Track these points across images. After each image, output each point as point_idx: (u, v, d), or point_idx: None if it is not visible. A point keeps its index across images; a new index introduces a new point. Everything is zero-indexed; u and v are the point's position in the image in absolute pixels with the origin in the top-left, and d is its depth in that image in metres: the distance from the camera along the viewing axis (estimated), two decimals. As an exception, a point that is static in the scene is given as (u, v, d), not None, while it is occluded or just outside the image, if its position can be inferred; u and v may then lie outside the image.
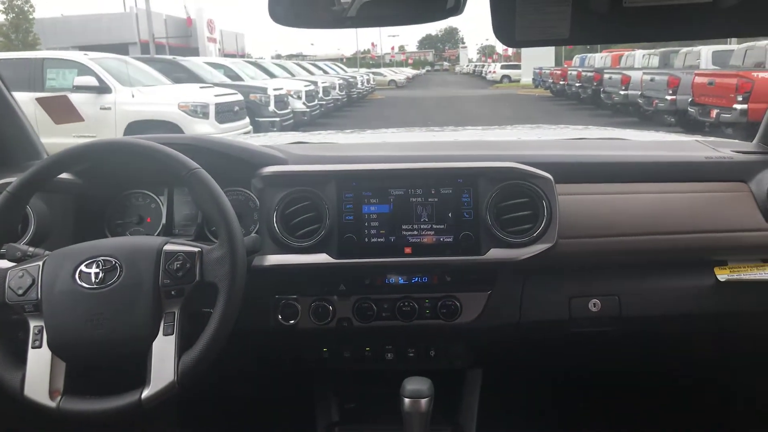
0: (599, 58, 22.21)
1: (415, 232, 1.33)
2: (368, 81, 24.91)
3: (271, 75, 14.79)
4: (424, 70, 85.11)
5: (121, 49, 21.65)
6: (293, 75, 16.72)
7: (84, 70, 8.17)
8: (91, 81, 8.03)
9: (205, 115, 8.32)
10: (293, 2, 0.89)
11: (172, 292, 1.10)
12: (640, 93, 12.32)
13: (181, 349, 1.08)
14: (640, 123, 12.55)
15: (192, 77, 10.60)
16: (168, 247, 1.12)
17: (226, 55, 31.24)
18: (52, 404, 1.05)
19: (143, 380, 1.06)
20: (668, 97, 10.87)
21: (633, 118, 13.26)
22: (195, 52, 29.75)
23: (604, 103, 15.08)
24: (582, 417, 1.83)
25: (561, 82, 20.34)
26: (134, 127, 8.01)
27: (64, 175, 1.29)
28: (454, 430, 1.52)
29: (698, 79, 9.78)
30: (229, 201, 1.16)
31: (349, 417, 1.57)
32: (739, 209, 1.42)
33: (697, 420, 1.79)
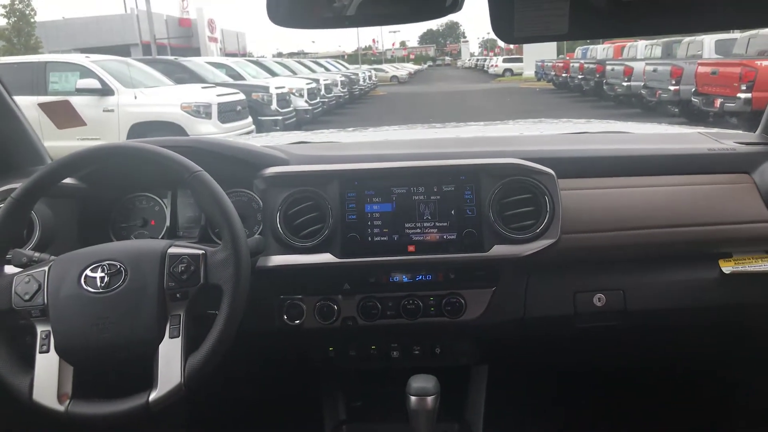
0: (601, 49, 22.10)
1: (419, 230, 1.33)
2: (370, 77, 24.90)
3: (273, 73, 14.79)
4: (425, 66, 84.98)
5: (122, 50, 21.69)
6: (295, 73, 16.74)
7: (86, 72, 8.20)
8: (93, 83, 8.05)
9: (208, 115, 8.33)
10: (292, 3, 0.89)
11: (177, 295, 1.10)
12: (643, 84, 12.26)
13: (187, 351, 1.09)
14: (643, 114, 12.49)
15: (194, 77, 10.61)
16: (172, 250, 1.13)
17: (227, 55, 31.24)
18: (61, 408, 1.06)
19: (150, 383, 1.07)
20: (671, 88, 10.81)
21: (636, 110, 13.20)
22: (196, 52, 29.78)
23: (607, 95, 15.02)
24: (588, 412, 1.83)
25: (563, 75, 20.26)
26: (137, 129, 8.03)
27: (67, 180, 1.29)
28: (460, 426, 1.53)
29: (701, 69, 9.72)
30: (231, 203, 1.16)
31: (356, 415, 1.58)
32: (743, 201, 1.41)
33: (703, 415, 1.79)
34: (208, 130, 8.09)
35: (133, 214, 1.51)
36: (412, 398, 1.25)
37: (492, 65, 44.89)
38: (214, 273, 1.12)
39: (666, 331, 1.57)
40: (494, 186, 1.33)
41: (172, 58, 13.68)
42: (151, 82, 8.91)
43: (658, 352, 1.71)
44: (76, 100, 7.28)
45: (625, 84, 13.49)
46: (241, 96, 9.37)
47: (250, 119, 9.50)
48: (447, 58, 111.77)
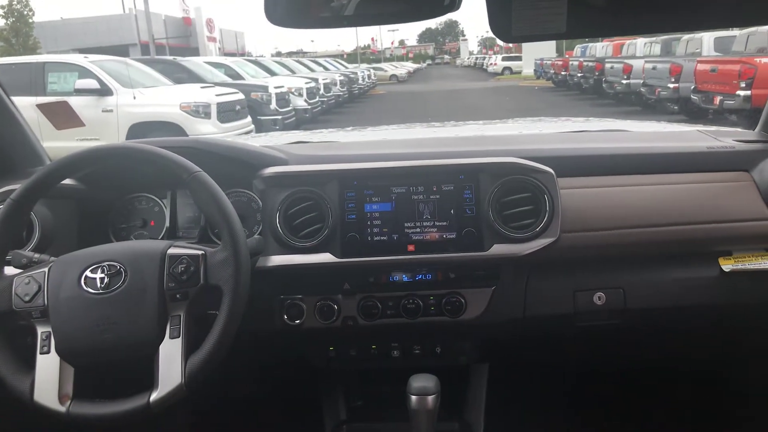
0: (600, 47, 22.09)
1: (418, 230, 1.33)
2: (369, 76, 24.89)
3: (272, 73, 14.79)
4: (425, 64, 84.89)
5: (121, 50, 21.69)
6: (294, 72, 16.73)
7: (85, 73, 8.19)
8: (92, 84, 8.04)
9: (207, 115, 8.32)
10: (290, 3, 0.89)
11: (177, 296, 1.10)
12: (642, 82, 12.26)
13: (188, 351, 1.09)
14: (643, 112, 12.49)
15: (193, 77, 10.60)
16: (172, 251, 1.13)
17: (226, 54, 31.21)
18: (62, 409, 1.06)
19: (151, 383, 1.07)
20: (671, 85, 10.81)
21: (636, 107, 13.20)
22: (195, 52, 29.76)
23: (607, 93, 15.02)
24: (588, 411, 1.83)
25: (563, 73, 20.26)
26: (137, 129, 8.03)
27: (67, 181, 1.29)
28: (461, 426, 1.53)
29: (700, 66, 9.72)
30: (231, 203, 1.16)
31: (356, 415, 1.58)
32: (743, 199, 1.41)
33: (704, 413, 1.79)
34: (208, 129, 8.09)
35: (133, 214, 1.51)
36: (413, 398, 1.25)
37: (491, 64, 44.86)
38: (213, 273, 1.12)
39: (666, 329, 1.57)
40: (493, 185, 1.33)
41: (170, 58, 13.67)
42: (149, 82, 8.90)
43: (658, 351, 1.71)
44: (74, 101, 7.28)
45: (624, 82, 13.49)
46: (240, 96, 9.37)
47: (249, 119, 9.49)
48: (446, 56, 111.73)
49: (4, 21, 26.67)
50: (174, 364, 1.07)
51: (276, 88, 11.07)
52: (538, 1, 0.76)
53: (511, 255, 1.31)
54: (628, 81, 13.34)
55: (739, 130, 1.74)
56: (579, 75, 17.55)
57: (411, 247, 1.32)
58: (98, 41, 28.11)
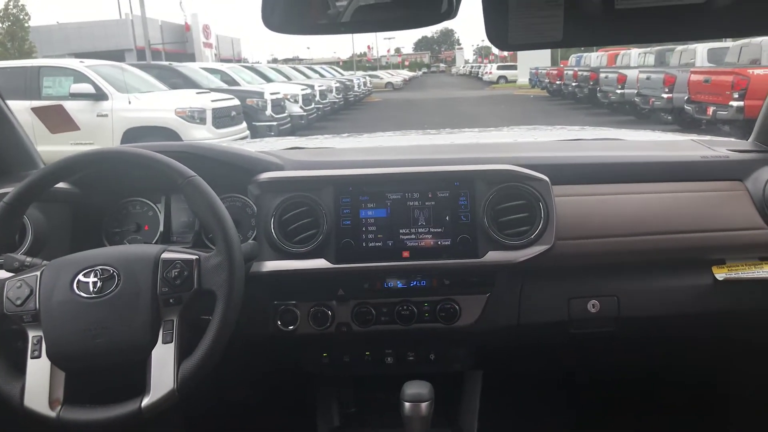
0: (595, 57, 22.23)
1: (413, 236, 1.33)
2: (365, 84, 24.93)
3: (268, 79, 14.80)
4: (420, 72, 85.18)
5: (117, 55, 21.71)
6: (290, 79, 16.73)
7: (80, 77, 8.17)
8: (87, 88, 8.02)
9: (202, 121, 8.31)
10: (287, 9, 0.89)
11: (171, 300, 1.09)
12: (636, 92, 12.34)
13: (181, 356, 1.08)
14: (636, 121, 12.57)
15: (188, 83, 10.61)
16: (165, 255, 1.12)
17: (222, 60, 31.28)
18: (52, 414, 1.05)
19: (143, 389, 1.06)
20: (664, 96, 10.88)
21: (630, 117, 13.28)
22: (191, 57, 29.77)
23: (601, 102, 15.10)
24: (583, 418, 1.83)
25: (557, 82, 20.36)
26: (131, 134, 8.01)
27: (60, 185, 1.29)
28: (454, 432, 1.52)
29: (694, 77, 9.79)
30: (225, 208, 1.16)
31: (350, 421, 1.57)
32: (736, 208, 1.42)
33: (697, 421, 1.79)
34: (203, 135, 8.08)
35: (127, 219, 1.51)
36: (407, 404, 1.24)
37: (486, 72, 45.07)
38: (207, 278, 1.11)
39: (660, 337, 1.57)
40: (489, 192, 1.33)
41: (166, 63, 13.66)
42: (145, 87, 8.89)
43: (651, 359, 1.71)
44: (69, 105, 7.26)
45: (618, 91, 13.57)
46: (236, 101, 9.36)
47: (244, 125, 9.49)
48: (442, 64, 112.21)
49: (0, 25, 26.63)
50: (166, 369, 1.07)
51: (272, 94, 11.08)
52: (534, 10, 0.77)
53: (505, 262, 1.31)
54: (622, 91, 13.42)
55: (732, 140, 1.75)
56: (574, 84, 17.64)
57: (406, 254, 1.32)
58: (94, 46, 28.14)
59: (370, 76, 33.38)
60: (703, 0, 0.73)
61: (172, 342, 1.08)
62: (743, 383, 1.75)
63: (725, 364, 1.72)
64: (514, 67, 38.90)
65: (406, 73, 56.65)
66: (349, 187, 1.34)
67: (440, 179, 1.35)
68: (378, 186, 1.35)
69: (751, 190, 1.44)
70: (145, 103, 8.28)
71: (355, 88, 21.65)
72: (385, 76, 43.22)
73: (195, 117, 8.27)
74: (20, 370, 1.08)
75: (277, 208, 1.32)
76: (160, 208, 1.51)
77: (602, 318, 1.40)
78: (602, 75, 14.98)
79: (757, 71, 8.48)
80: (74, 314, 1.07)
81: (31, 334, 1.08)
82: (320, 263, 1.30)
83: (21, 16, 27.10)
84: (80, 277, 1.09)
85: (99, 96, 8.08)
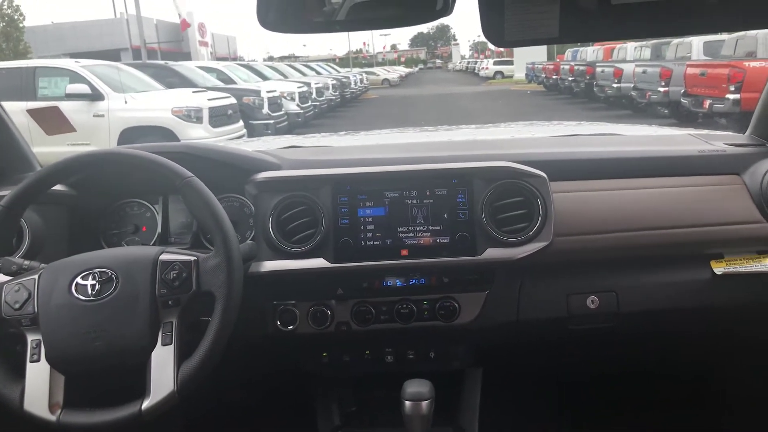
0: (591, 51, 22.21)
1: (411, 234, 1.33)
2: (361, 81, 24.92)
3: (264, 77, 14.77)
4: (416, 68, 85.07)
5: (112, 55, 21.64)
6: (286, 77, 16.70)
7: (76, 77, 8.14)
8: (83, 88, 7.99)
9: (199, 120, 8.29)
10: (282, 8, 0.89)
11: (169, 302, 1.09)
12: (632, 85, 12.33)
13: (180, 358, 1.08)
14: (633, 115, 12.57)
15: (185, 82, 10.57)
16: (164, 257, 1.12)
17: (218, 59, 31.19)
18: (53, 418, 1.05)
19: (143, 391, 1.06)
20: (661, 89, 10.88)
21: (626, 111, 13.28)
22: (187, 56, 29.67)
23: (597, 97, 15.10)
24: (583, 414, 1.83)
25: (554, 77, 20.36)
26: (128, 134, 7.98)
27: (57, 187, 1.28)
28: (455, 431, 1.52)
29: (690, 70, 9.79)
30: (223, 208, 1.16)
31: (350, 420, 1.57)
32: (734, 202, 1.42)
33: (696, 416, 1.79)
34: (199, 134, 8.06)
35: (124, 220, 1.50)
36: (407, 403, 1.24)
37: (483, 68, 45.08)
38: (206, 279, 1.11)
39: (659, 332, 1.58)
40: (486, 189, 1.33)
41: (162, 62, 13.63)
42: (141, 87, 8.86)
43: (651, 354, 1.71)
44: (65, 106, 7.23)
45: (615, 86, 13.58)
46: (232, 100, 9.34)
47: (241, 123, 9.47)
48: (438, 61, 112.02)
49: (-6, 25, 26.54)
50: (166, 371, 1.06)
51: (268, 92, 11.05)
52: (530, 6, 0.76)
53: (504, 259, 1.31)
54: (618, 85, 13.43)
55: (729, 133, 1.75)
56: (570, 79, 17.65)
57: (404, 252, 1.32)
58: (89, 46, 28.05)
59: (366, 72, 33.35)
60: None
61: (171, 344, 1.08)
62: (742, 377, 1.75)
63: (724, 358, 1.72)
64: (511, 63, 38.87)
65: (402, 70, 56.60)
66: (346, 186, 1.34)
67: (438, 177, 1.35)
68: (376, 184, 1.35)
69: (748, 184, 1.44)
70: (142, 103, 8.26)
71: (352, 85, 21.62)
72: (382, 72, 43.16)
73: (192, 116, 8.25)
74: (19, 374, 1.07)
75: (275, 208, 1.32)
76: (158, 210, 1.51)
77: (601, 313, 1.40)
78: (598, 69, 14.98)
79: (753, 64, 8.47)
80: (73, 317, 1.07)
81: (30, 338, 1.08)
82: (319, 263, 1.30)
83: (15, 17, 27.01)
84: (78, 279, 1.09)
85: (95, 96, 8.05)
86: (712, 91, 8.89)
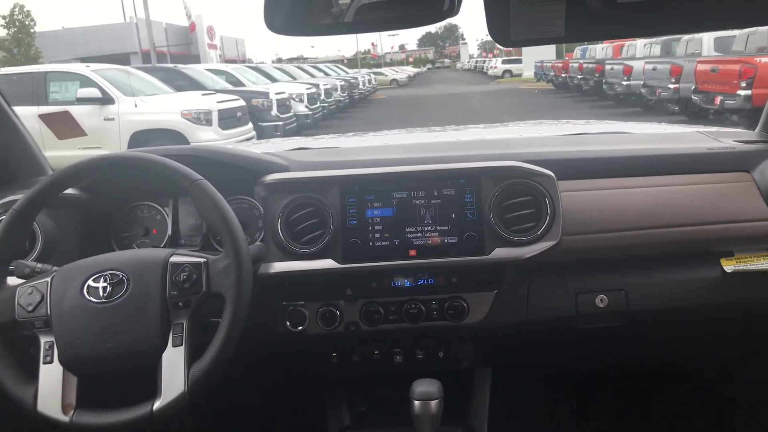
0: (600, 49, 22.10)
1: (420, 235, 1.33)
2: (370, 81, 24.92)
3: (273, 79, 14.82)
4: (425, 68, 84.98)
5: (122, 59, 21.78)
6: (294, 78, 16.75)
7: (86, 81, 8.22)
8: (94, 92, 8.07)
9: (209, 122, 8.34)
10: (289, 11, 0.89)
11: (180, 304, 1.10)
12: (642, 83, 12.26)
13: (191, 359, 1.09)
14: (643, 113, 12.49)
15: (194, 84, 10.63)
16: (174, 259, 1.13)
17: (227, 61, 31.31)
18: (65, 419, 1.06)
19: (154, 392, 1.07)
20: (671, 86, 10.80)
21: (636, 108, 13.20)
22: (196, 59, 29.81)
23: (607, 95, 15.02)
24: (593, 414, 1.83)
25: (563, 75, 20.28)
26: (138, 137, 8.05)
27: (69, 191, 1.30)
28: (465, 430, 1.52)
29: (701, 67, 9.71)
30: (232, 210, 1.16)
31: (360, 420, 1.58)
32: (743, 199, 1.41)
33: (707, 414, 1.78)
34: (209, 137, 8.10)
35: (135, 223, 1.52)
36: (416, 403, 1.24)
37: (491, 67, 44.98)
38: (216, 281, 1.12)
39: (669, 330, 1.57)
40: (494, 189, 1.33)
41: (171, 65, 13.70)
42: (151, 90, 8.93)
43: (661, 352, 1.71)
44: (76, 110, 7.31)
45: (624, 83, 13.49)
46: (241, 102, 9.38)
47: (250, 125, 9.51)
48: (446, 60, 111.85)
49: (5, 31, 26.81)
50: (177, 372, 1.07)
51: (277, 94, 11.09)
52: (536, 5, 0.76)
53: (512, 259, 1.31)
54: (628, 82, 13.34)
55: (739, 130, 1.74)
56: (579, 77, 17.56)
57: (413, 252, 1.32)
58: (100, 50, 28.24)
59: (374, 73, 33.37)
60: None
61: (182, 345, 1.09)
62: (754, 376, 1.74)
63: (735, 355, 1.71)
64: (519, 61, 38.74)
65: (410, 70, 56.60)
66: (354, 187, 1.35)
67: (446, 177, 1.35)
68: (384, 185, 1.35)
69: (758, 181, 1.43)
70: (152, 106, 8.32)
71: (360, 86, 21.64)
72: (390, 73, 43.18)
73: (201, 119, 8.30)
74: (33, 376, 1.09)
75: (284, 210, 1.33)
76: (168, 212, 1.52)
77: (610, 312, 1.40)
78: (608, 67, 14.89)
79: (764, 59, 8.39)
80: (85, 319, 1.08)
81: (43, 340, 1.09)
82: (328, 263, 1.31)
83: (27, 22, 27.26)
84: (90, 282, 1.10)
85: (105, 100, 8.12)
86: (723, 87, 8.81)
